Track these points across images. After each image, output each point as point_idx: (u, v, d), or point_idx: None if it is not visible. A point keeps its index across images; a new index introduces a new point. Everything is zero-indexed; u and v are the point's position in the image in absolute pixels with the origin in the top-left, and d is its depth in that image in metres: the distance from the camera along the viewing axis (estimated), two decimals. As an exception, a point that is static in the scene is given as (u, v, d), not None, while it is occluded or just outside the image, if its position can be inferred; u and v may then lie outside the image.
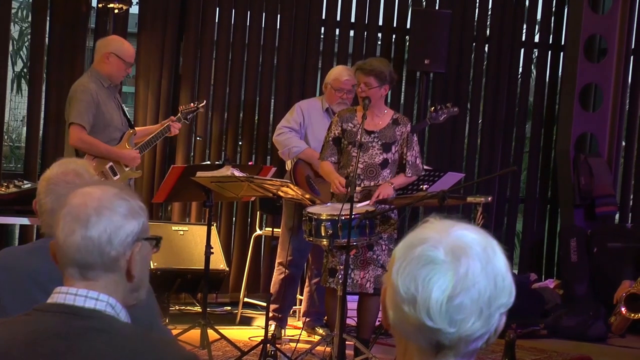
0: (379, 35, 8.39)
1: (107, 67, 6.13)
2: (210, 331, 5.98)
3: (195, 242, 7.12)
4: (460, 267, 1.58)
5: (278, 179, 6.10)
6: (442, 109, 6.72)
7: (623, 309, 5.46)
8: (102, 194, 2.07)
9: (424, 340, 1.60)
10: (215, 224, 7.13)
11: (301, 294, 7.14)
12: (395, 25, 8.35)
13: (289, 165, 6.79)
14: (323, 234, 5.61)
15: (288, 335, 6.73)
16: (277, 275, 6.74)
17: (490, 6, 8.67)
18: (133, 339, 2.02)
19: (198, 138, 7.68)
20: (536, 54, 9.11)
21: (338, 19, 8.14)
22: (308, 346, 6.08)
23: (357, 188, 5.76)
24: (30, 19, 8.14)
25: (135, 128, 6.46)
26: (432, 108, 6.81)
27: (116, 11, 6.87)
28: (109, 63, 6.12)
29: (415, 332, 1.60)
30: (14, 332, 2.05)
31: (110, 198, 2.07)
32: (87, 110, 6.02)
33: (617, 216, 8.77)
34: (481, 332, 1.60)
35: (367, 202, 5.74)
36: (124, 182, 6.07)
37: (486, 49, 8.68)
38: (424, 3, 8.41)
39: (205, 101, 6.88)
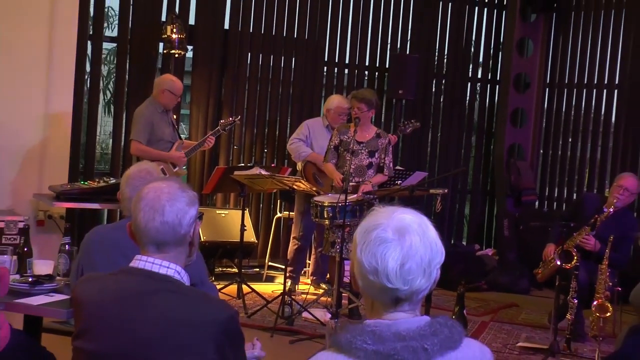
0: (366, 72, 8.38)
1: (162, 98, 6.04)
2: (244, 286, 6.02)
3: (233, 222, 7.12)
4: (405, 242, 1.58)
5: (293, 177, 6.11)
6: (408, 124, 6.72)
7: (558, 262, 5.43)
8: (169, 188, 2.05)
9: (386, 297, 1.61)
10: (247, 209, 7.13)
11: (309, 259, 7.14)
12: (377, 65, 8.35)
13: (299, 167, 6.78)
14: (325, 216, 5.61)
15: (300, 289, 6.72)
16: (292, 246, 6.74)
17: (446, 52, 8.67)
18: (194, 298, 2.01)
19: (235, 147, 7.68)
20: (479, 86, 9.09)
21: (336, 60, 8.13)
22: (314, 297, 6.10)
23: (350, 183, 5.76)
24: (115, 61, 8.13)
25: (185, 141, 6.41)
26: (401, 123, 6.81)
27: (176, 55, 6.87)
28: (164, 96, 6.04)
29: (379, 292, 1.60)
30: (107, 286, 2.05)
31: (176, 191, 2.05)
32: (143, 129, 5.96)
33: (536, 203, 8.75)
34: (426, 285, 1.61)
35: (356, 194, 5.73)
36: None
37: (443, 82, 8.66)
38: (399, 49, 8.39)
39: (240, 116, 6.86)
